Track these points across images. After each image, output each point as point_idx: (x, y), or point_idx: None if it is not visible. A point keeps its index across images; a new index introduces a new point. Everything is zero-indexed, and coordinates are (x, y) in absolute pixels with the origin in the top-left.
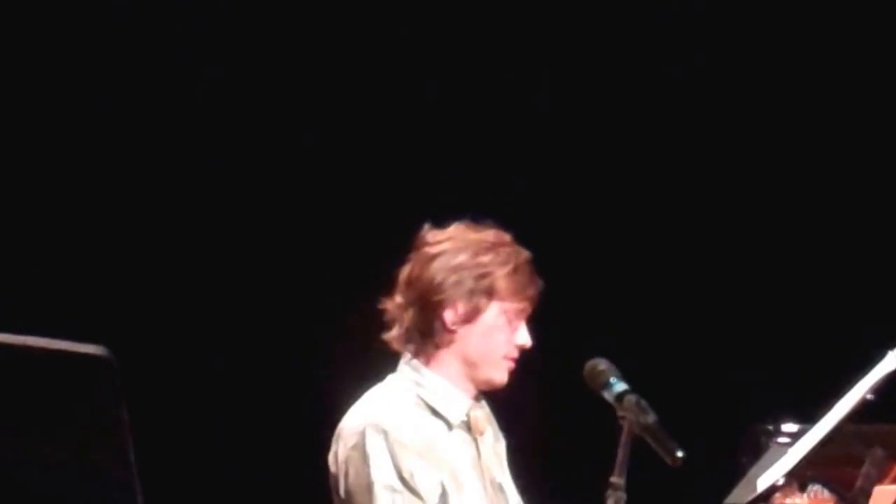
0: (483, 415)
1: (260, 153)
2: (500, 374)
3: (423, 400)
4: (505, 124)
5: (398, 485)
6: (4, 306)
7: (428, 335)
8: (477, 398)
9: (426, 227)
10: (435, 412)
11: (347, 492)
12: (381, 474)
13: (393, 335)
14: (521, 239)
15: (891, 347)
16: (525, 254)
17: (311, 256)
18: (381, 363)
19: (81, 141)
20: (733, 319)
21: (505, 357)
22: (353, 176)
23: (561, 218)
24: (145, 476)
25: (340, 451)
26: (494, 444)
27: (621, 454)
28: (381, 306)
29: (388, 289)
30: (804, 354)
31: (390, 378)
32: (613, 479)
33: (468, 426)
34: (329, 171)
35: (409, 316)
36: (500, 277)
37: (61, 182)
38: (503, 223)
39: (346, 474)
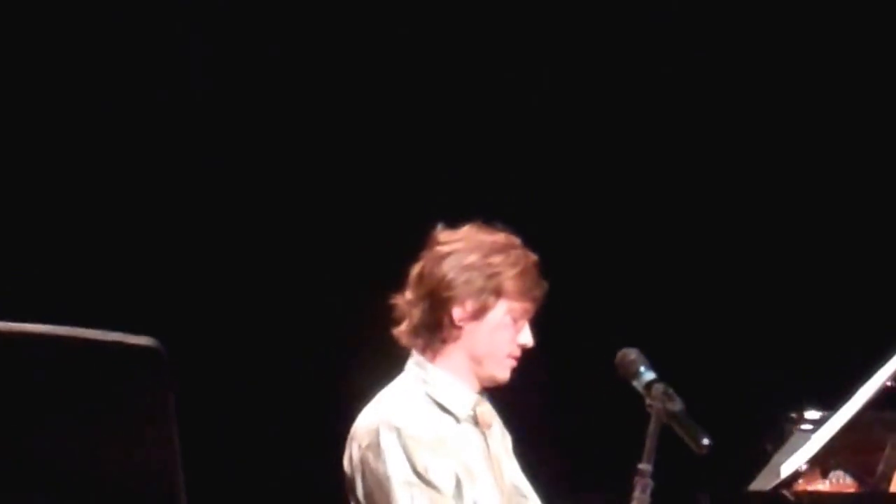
0: (488, 410)
1: (274, 148)
2: (502, 372)
3: (430, 396)
4: (510, 122)
5: (414, 479)
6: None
7: (436, 330)
8: (480, 394)
9: (439, 227)
10: (442, 407)
11: (365, 491)
12: (397, 470)
13: (402, 330)
14: (539, 235)
15: None
16: (533, 257)
17: (323, 256)
18: (394, 364)
19: (102, 140)
20: (757, 309)
21: (508, 356)
22: (361, 175)
23: (584, 211)
24: None
25: (355, 452)
26: (502, 440)
27: (649, 441)
28: (391, 302)
29: (399, 286)
30: (827, 343)
31: (399, 378)
32: (641, 466)
33: (475, 420)
34: (339, 170)
35: (418, 311)
36: (509, 278)
37: (84, 181)
38: (513, 217)
39: (363, 474)
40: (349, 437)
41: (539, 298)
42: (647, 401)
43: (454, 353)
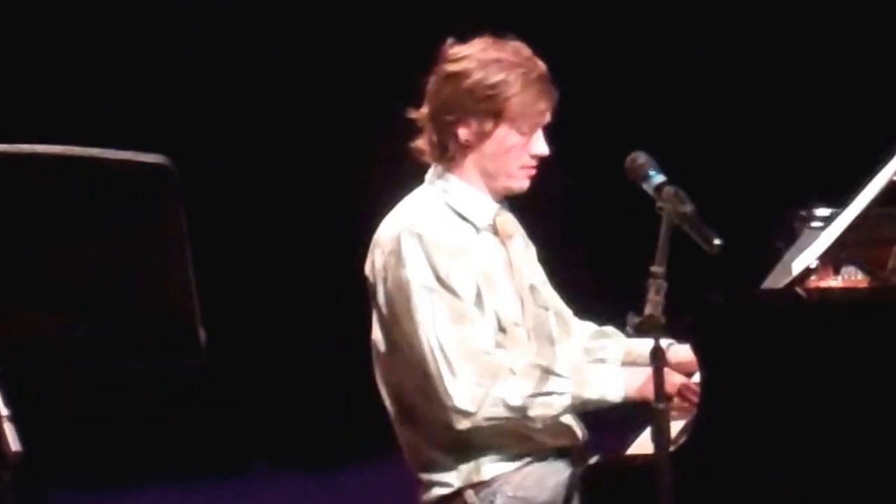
0: (509, 220)
1: None
2: (518, 183)
3: (449, 206)
4: None
5: (435, 284)
6: None
7: (446, 149)
8: (501, 204)
9: (449, 41)
10: (462, 216)
11: (386, 296)
12: (418, 275)
13: (420, 143)
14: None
15: None
16: (539, 70)
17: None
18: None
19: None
20: (765, 110)
21: (521, 168)
22: None
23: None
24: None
25: (377, 258)
26: (525, 250)
27: (661, 243)
28: (409, 116)
29: (417, 99)
30: (833, 140)
31: (419, 188)
32: (654, 268)
33: (495, 230)
34: None
35: (428, 129)
36: (509, 98)
37: None
38: (525, 28)
39: (385, 280)
40: (372, 244)
41: (546, 110)
42: (658, 203)
43: (468, 168)
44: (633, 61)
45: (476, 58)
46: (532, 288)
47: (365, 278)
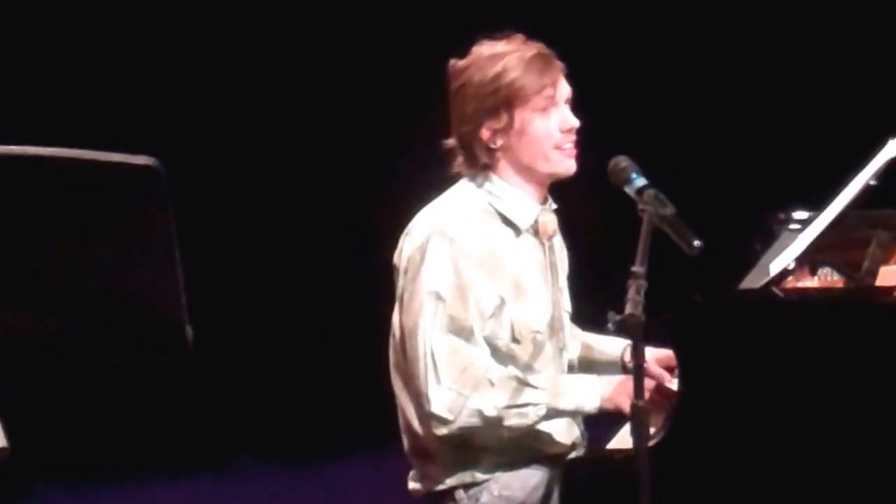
0: (551, 219)
1: None
2: (560, 166)
3: (492, 206)
4: None
5: (446, 293)
6: None
7: (477, 158)
8: (545, 202)
9: (451, 62)
10: (504, 219)
11: (403, 288)
12: (432, 280)
13: (457, 165)
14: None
15: (892, 135)
16: (535, 48)
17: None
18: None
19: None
20: (745, 114)
21: (556, 147)
22: None
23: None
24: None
25: (406, 247)
26: (560, 251)
27: (642, 244)
28: (444, 146)
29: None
30: (811, 145)
31: (463, 184)
32: (635, 269)
33: (536, 231)
34: None
35: (458, 148)
36: (512, 82)
37: None
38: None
39: (405, 272)
40: (405, 231)
41: (555, 80)
42: (640, 206)
43: (505, 170)
44: (614, 67)
45: (472, 63)
46: (561, 291)
47: (393, 265)
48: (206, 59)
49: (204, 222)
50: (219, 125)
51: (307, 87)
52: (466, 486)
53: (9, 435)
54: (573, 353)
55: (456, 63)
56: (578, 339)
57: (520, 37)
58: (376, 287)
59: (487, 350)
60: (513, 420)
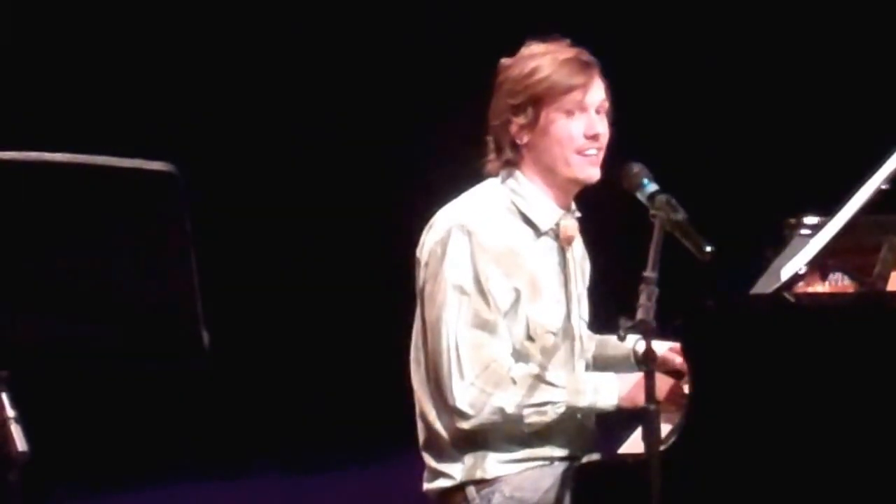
0: (572, 225)
1: None
2: (581, 171)
3: (515, 206)
4: None
5: (470, 287)
6: None
7: (503, 152)
8: (569, 208)
9: (501, 61)
10: (526, 218)
11: (424, 282)
12: (456, 274)
13: (488, 162)
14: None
15: None
16: (571, 51)
17: None
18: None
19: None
20: (754, 120)
21: (577, 152)
22: None
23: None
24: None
25: (428, 241)
26: (581, 259)
27: (653, 250)
28: (484, 140)
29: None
30: (823, 150)
31: (488, 182)
32: (647, 274)
33: (556, 235)
34: None
35: (491, 140)
36: (543, 80)
37: None
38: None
39: (427, 266)
40: (427, 225)
41: (584, 84)
42: (651, 211)
43: (531, 173)
44: (626, 73)
45: (516, 61)
46: (580, 298)
47: (416, 258)
48: (223, 65)
49: (220, 227)
50: (234, 130)
51: (328, 88)
52: (478, 485)
53: (29, 440)
54: (589, 356)
55: (504, 61)
56: (592, 338)
57: (566, 41)
58: (391, 292)
59: (510, 343)
60: (532, 418)
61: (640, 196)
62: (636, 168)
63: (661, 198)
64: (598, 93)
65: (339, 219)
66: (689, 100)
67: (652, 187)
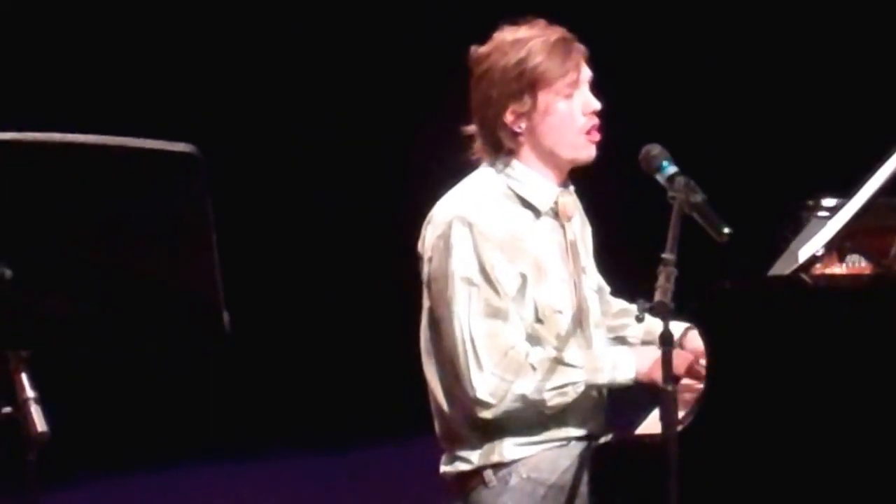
0: (571, 201)
1: None
2: (584, 153)
3: (512, 190)
4: None
5: (477, 277)
6: None
7: (500, 144)
8: (565, 184)
9: (472, 49)
10: (524, 201)
11: (430, 277)
12: (462, 266)
13: (477, 149)
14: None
15: None
16: (557, 32)
17: None
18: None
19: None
20: (773, 102)
21: (579, 132)
22: None
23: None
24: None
25: (428, 236)
26: (581, 230)
27: (672, 232)
28: (465, 132)
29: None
30: (841, 132)
31: (483, 168)
32: (665, 255)
33: (556, 213)
34: None
35: (480, 136)
36: (536, 66)
37: None
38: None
39: (430, 261)
40: (426, 220)
41: (577, 64)
42: (670, 193)
43: (527, 154)
44: (646, 54)
45: (496, 49)
46: (583, 270)
47: (416, 253)
48: (240, 49)
49: (241, 209)
50: (253, 112)
51: (338, 75)
52: (495, 468)
53: (49, 420)
54: (632, 334)
55: (477, 49)
56: (642, 325)
57: (541, 21)
58: (413, 271)
59: (523, 328)
60: (554, 401)
61: (659, 178)
62: (655, 150)
63: (680, 179)
64: (587, 69)
65: (362, 199)
66: (707, 82)
67: (671, 169)
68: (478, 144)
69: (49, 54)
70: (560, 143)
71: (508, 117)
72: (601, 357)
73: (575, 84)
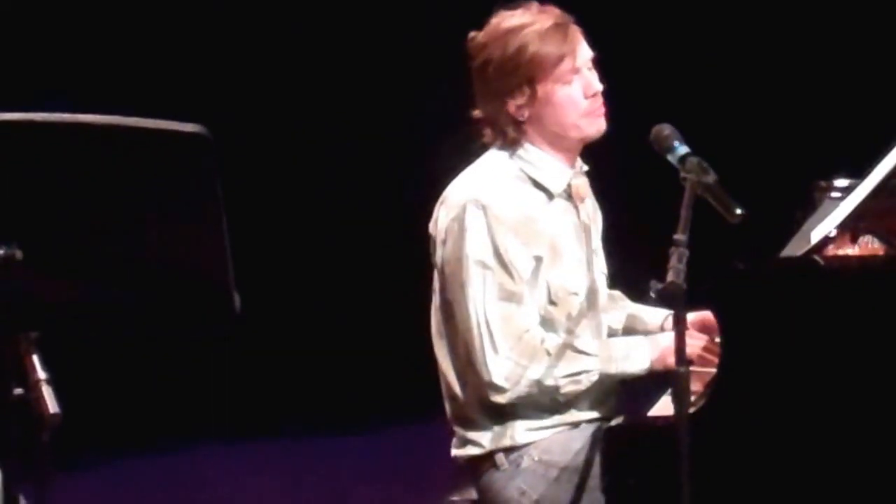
0: (584, 183)
1: None
2: (592, 128)
3: (524, 172)
4: None
5: (491, 261)
6: None
7: (506, 132)
8: (577, 165)
9: (469, 37)
10: (536, 183)
11: (444, 260)
12: (476, 249)
13: (485, 137)
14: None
15: None
16: (551, 18)
17: None
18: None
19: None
20: (786, 82)
21: (584, 115)
22: None
23: None
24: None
25: (441, 218)
26: (593, 213)
27: (684, 213)
28: (473, 118)
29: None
30: (854, 112)
31: (494, 150)
32: (677, 237)
33: (569, 194)
34: None
35: (486, 122)
36: (533, 57)
37: None
38: None
39: (444, 243)
40: (439, 201)
41: (573, 49)
42: (682, 174)
43: (536, 139)
44: (657, 34)
45: (491, 39)
46: (595, 252)
47: (428, 234)
48: (251, 31)
49: (252, 189)
50: (264, 93)
51: (345, 59)
52: (507, 451)
53: (61, 401)
54: (615, 320)
55: (475, 37)
56: (625, 310)
57: (534, 5)
58: (425, 252)
59: (537, 311)
60: (568, 388)
61: (671, 158)
62: (667, 130)
63: (693, 160)
64: (585, 50)
65: (375, 179)
66: (719, 61)
67: (683, 149)
68: (487, 130)
69: (60, 40)
70: (566, 128)
71: (510, 108)
72: (614, 346)
73: (573, 69)
